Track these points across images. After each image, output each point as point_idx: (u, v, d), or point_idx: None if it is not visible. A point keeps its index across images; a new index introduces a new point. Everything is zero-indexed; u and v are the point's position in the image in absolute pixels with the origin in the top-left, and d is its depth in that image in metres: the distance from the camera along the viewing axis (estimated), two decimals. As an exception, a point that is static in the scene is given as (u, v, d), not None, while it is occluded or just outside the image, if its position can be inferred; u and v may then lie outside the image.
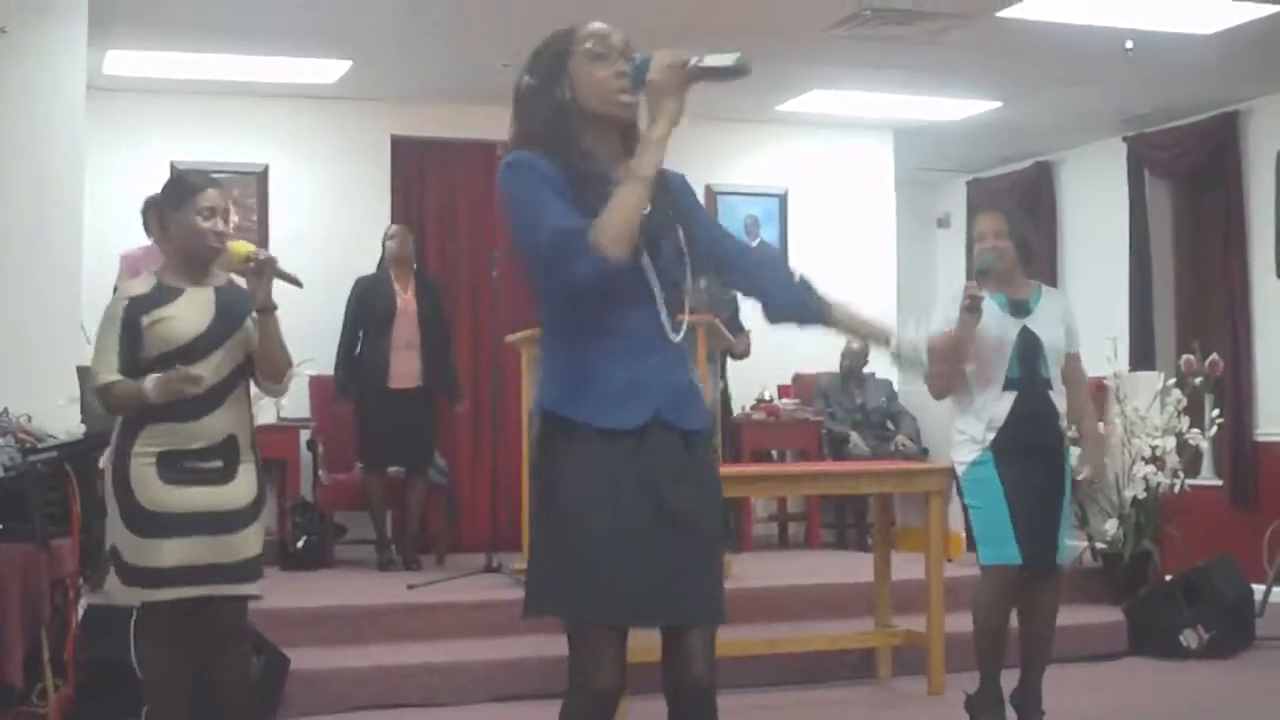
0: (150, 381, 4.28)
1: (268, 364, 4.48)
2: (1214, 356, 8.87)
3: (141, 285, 4.51)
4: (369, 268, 8.66)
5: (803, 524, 10.03)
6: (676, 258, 3.11)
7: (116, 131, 8.92)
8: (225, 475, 4.41)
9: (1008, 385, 5.12)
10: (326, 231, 9.34)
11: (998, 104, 9.87)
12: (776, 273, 3.36)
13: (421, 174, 9.89)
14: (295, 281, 4.47)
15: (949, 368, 4.63)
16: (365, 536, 8.72)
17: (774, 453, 9.95)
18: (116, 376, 4.38)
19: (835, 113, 10.21)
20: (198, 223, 4.43)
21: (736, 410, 9.64)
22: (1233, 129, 9.83)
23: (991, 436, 5.10)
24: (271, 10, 7.70)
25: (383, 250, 8.62)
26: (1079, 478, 5.48)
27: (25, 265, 6.99)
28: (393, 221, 9.22)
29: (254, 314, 4.45)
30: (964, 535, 6.50)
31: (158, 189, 8.20)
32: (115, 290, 4.61)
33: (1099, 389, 7.83)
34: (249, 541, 4.43)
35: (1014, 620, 5.31)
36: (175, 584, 4.32)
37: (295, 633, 6.23)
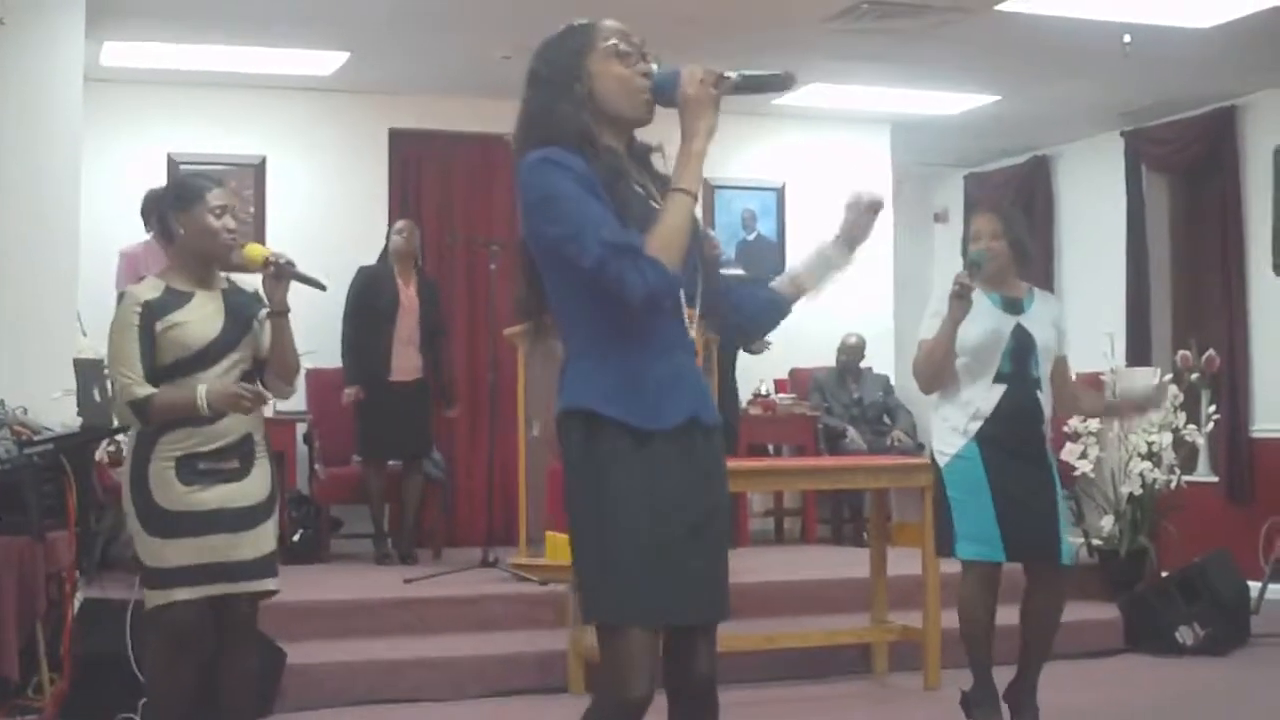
0: (203, 394, 4.24)
1: (280, 366, 4.48)
2: (1210, 352, 8.86)
3: (150, 290, 4.43)
4: (366, 260, 8.65)
5: (799, 519, 10.04)
6: (692, 259, 3.07)
7: (113, 123, 8.91)
8: (241, 473, 4.41)
9: (998, 379, 5.12)
10: (324, 224, 9.33)
11: (995, 98, 9.86)
12: (735, 291, 3.33)
13: (419, 166, 9.88)
14: (318, 284, 4.45)
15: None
16: (361, 530, 8.72)
17: (770, 447, 9.95)
18: (151, 388, 4.29)
19: (832, 106, 10.19)
20: (210, 222, 4.40)
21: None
22: (1230, 123, 9.82)
23: (976, 426, 5.10)
24: (268, 2, 7.69)
25: (386, 243, 8.60)
26: (1139, 406, 5.81)
27: (21, 257, 6.99)
28: (390, 214, 9.21)
29: (260, 316, 4.44)
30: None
31: (156, 182, 8.26)
32: (123, 294, 4.51)
33: (1095, 384, 7.85)
34: (265, 537, 4.44)
35: (1014, 618, 5.30)
36: (193, 583, 4.30)
37: (291, 626, 6.22)
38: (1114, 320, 9.90)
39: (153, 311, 4.35)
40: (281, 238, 9.27)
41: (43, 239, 7.07)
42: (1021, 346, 5.15)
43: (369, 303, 8.42)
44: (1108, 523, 7.71)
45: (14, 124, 7.06)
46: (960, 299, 5.00)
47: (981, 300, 5.10)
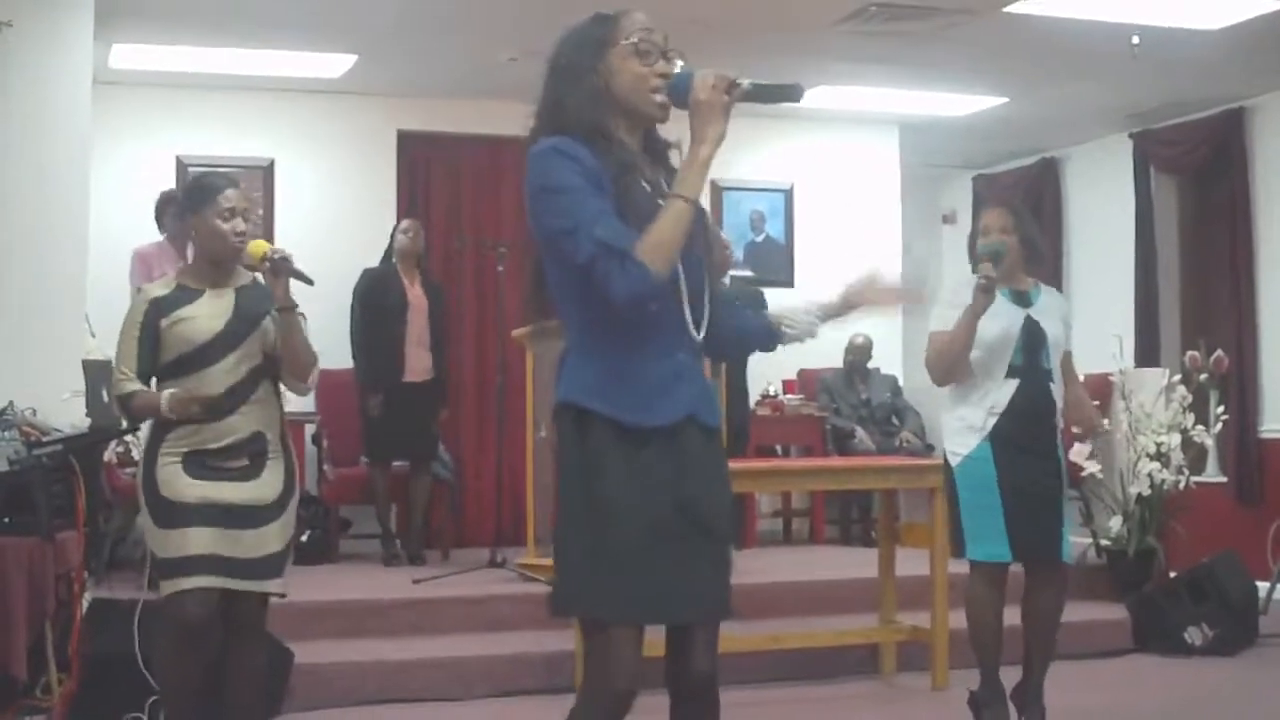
0: (165, 399, 4.34)
1: (291, 363, 4.48)
2: (1219, 353, 8.85)
3: (162, 287, 4.54)
4: (375, 262, 8.64)
5: (807, 519, 10.03)
6: (699, 260, 3.08)
7: (122, 126, 8.91)
8: (251, 472, 4.43)
9: (1010, 373, 5.11)
10: (332, 226, 9.33)
11: (1004, 99, 9.85)
12: (729, 307, 3.30)
13: (427, 169, 9.89)
14: (306, 279, 4.46)
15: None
16: (370, 531, 8.73)
17: (779, 448, 9.95)
18: (137, 385, 4.41)
19: (841, 108, 10.19)
20: (218, 225, 4.44)
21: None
22: (1239, 125, 9.81)
23: (993, 423, 5.08)
24: (277, 4, 7.70)
25: (391, 242, 8.58)
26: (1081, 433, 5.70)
27: (30, 259, 7.00)
28: (398, 216, 9.22)
29: (274, 312, 4.45)
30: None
31: (165, 184, 8.29)
32: (138, 291, 4.64)
33: (1104, 385, 7.84)
34: (270, 538, 4.44)
35: (1016, 618, 5.30)
36: (195, 573, 4.32)
37: (300, 626, 6.22)
38: (1123, 321, 9.89)
39: (160, 309, 4.43)
40: (290, 239, 9.24)
41: (51, 241, 7.08)
42: (1032, 339, 5.14)
43: (376, 303, 8.40)
44: (1116, 523, 7.70)
45: (23, 127, 7.07)
46: (987, 292, 5.00)
47: (995, 297, 5.08)
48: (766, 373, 9.69)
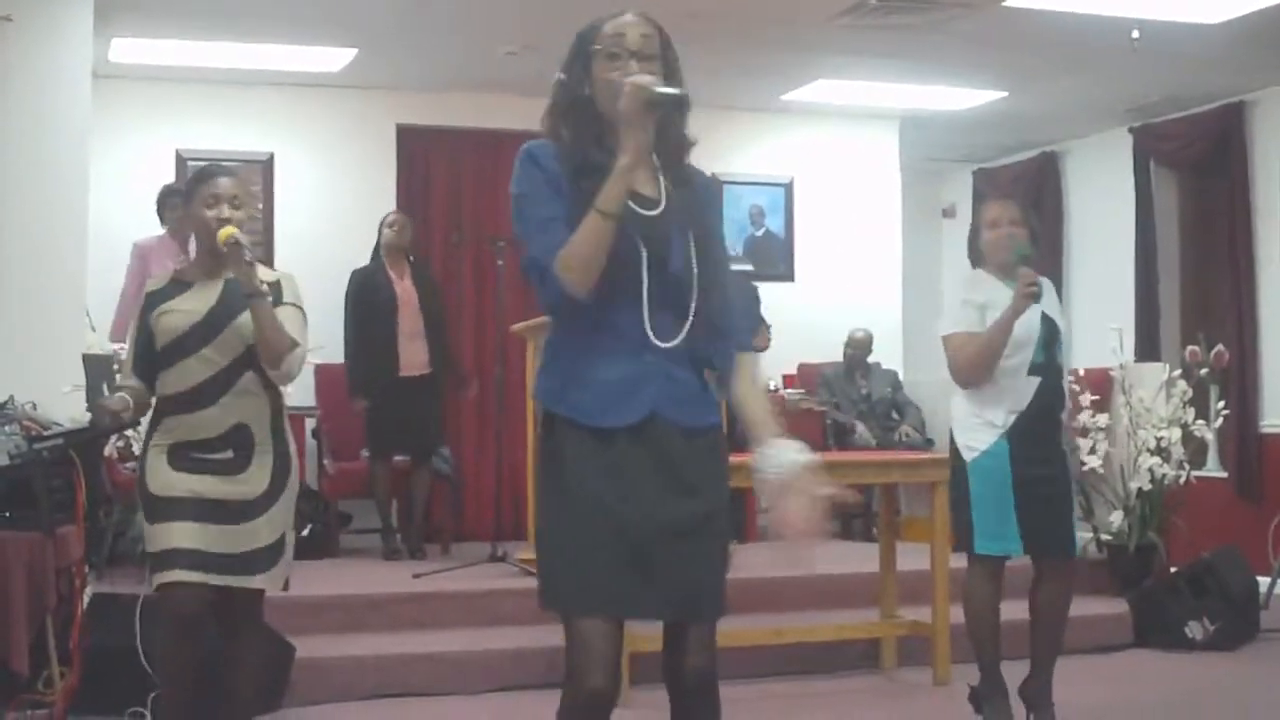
0: (98, 400, 4.57)
1: (263, 349, 4.38)
2: (1219, 347, 8.85)
3: (159, 281, 4.58)
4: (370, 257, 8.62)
5: (807, 514, 10.00)
6: (685, 262, 3.06)
7: (121, 120, 8.90)
8: (237, 466, 4.41)
9: (1032, 370, 5.07)
10: (332, 219, 9.34)
11: (1003, 93, 9.85)
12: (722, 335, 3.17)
13: (427, 162, 9.89)
14: (249, 263, 4.34)
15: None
16: (370, 525, 8.72)
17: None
18: (130, 381, 4.48)
19: (841, 102, 10.19)
20: (203, 213, 4.44)
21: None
22: (1239, 119, 9.81)
23: (1013, 420, 5.05)
24: (277, -2, 7.71)
25: (378, 237, 8.57)
26: None
27: (30, 253, 7.00)
28: (398, 210, 9.21)
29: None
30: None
31: (165, 178, 8.28)
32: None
33: (1105, 380, 7.84)
34: (256, 533, 4.41)
35: (1019, 613, 5.30)
36: (176, 567, 4.32)
37: (300, 621, 6.23)
38: (1123, 316, 9.87)
39: (153, 302, 4.48)
40: (289, 233, 9.32)
41: (51, 235, 7.08)
42: (1049, 334, 5.12)
43: (367, 302, 8.36)
44: (1117, 518, 7.70)
45: (22, 120, 7.07)
46: (1034, 299, 4.99)
47: (1005, 293, 5.06)
48: (767, 367, 9.69)
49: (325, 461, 8.77)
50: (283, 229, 9.34)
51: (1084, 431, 7.76)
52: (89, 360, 6.44)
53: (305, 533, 8.37)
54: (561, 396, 3.05)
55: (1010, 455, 5.05)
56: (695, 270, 3.07)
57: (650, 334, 3.02)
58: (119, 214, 8.28)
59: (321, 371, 8.74)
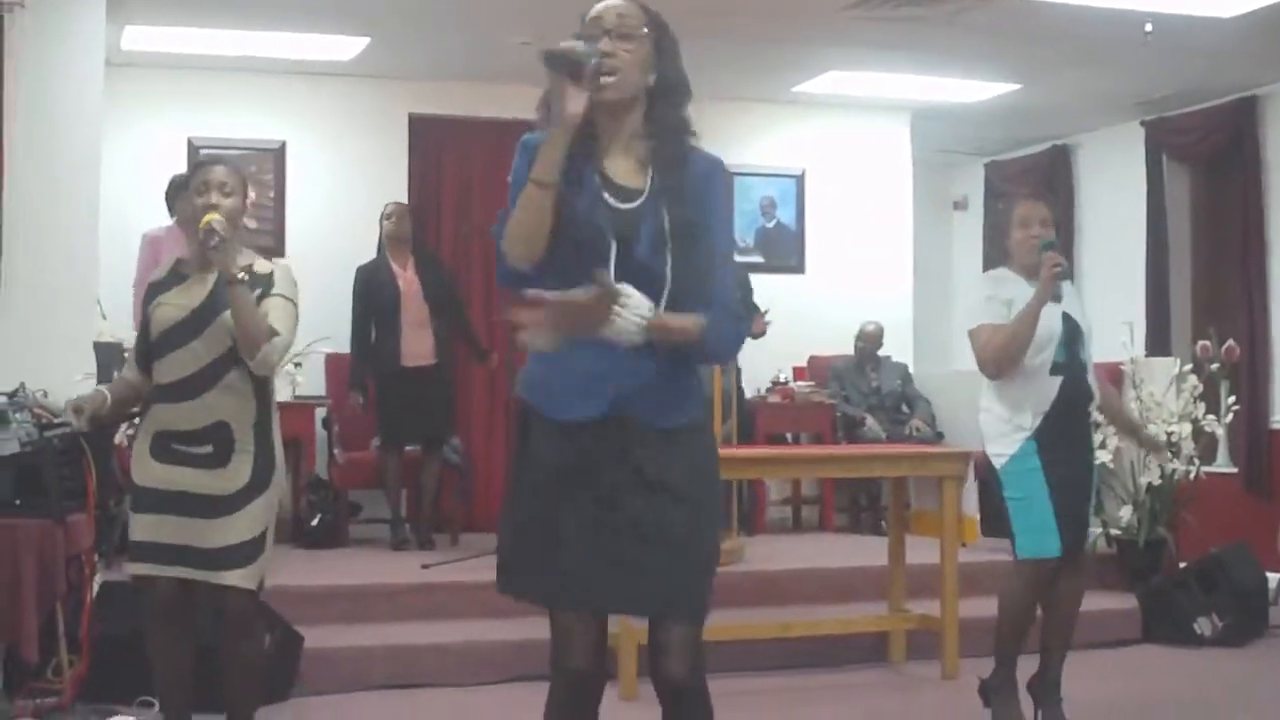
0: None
1: (240, 337, 4.31)
2: (1230, 343, 8.84)
3: (162, 271, 4.59)
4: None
5: (816, 507, 10.02)
6: (657, 245, 3.02)
7: (134, 108, 8.91)
8: (215, 461, 4.37)
9: (1054, 370, 5.06)
10: (343, 208, 9.33)
11: (1016, 86, 9.83)
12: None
13: (439, 152, 9.88)
14: (222, 247, 4.29)
15: None
16: (380, 515, 8.73)
17: (788, 435, 9.94)
18: (129, 372, 4.60)
19: (852, 94, 10.18)
20: (194, 201, 4.45)
21: (750, 393, 9.63)
22: (1252, 113, 9.79)
23: (1039, 422, 5.03)
24: (289, -13, 7.71)
25: (380, 229, 8.56)
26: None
27: (42, 241, 7.00)
28: (410, 198, 9.20)
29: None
30: (978, 520, 6.48)
31: (177, 167, 8.28)
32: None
33: (1115, 374, 7.82)
34: (228, 529, 4.35)
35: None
36: (147, 559, 4.36)
37: (309, 610, 6.25)
38: (1134, 310, 9.87)
39: (152, 293, 4.51)
40: (301, 221, 9.33)
41: (63, 223, 7.08)
42: (1071, 334, 5.11)
43: (372, 298, 8.35)
44: (1126, 513, 7.69)
45: (35, 108, 7.07)
46: (1061, 279, 5.01)
47: (1029, 292, 5.05)
48: (776, 360, 9.69)
49: (335, 451, 8.78)
50: (294, 217, 9.34)
51: (1094, 426, 7.75)
52: (100, 348, 6.46)
53: (315, 522, 8.41)
54: (532, 386, 3.10)
55: (1040, 455, 5.04)
56: (668, 260, 3.02)
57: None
58: (131, 202, 8.29)
59: (331, 361, 8.75)
